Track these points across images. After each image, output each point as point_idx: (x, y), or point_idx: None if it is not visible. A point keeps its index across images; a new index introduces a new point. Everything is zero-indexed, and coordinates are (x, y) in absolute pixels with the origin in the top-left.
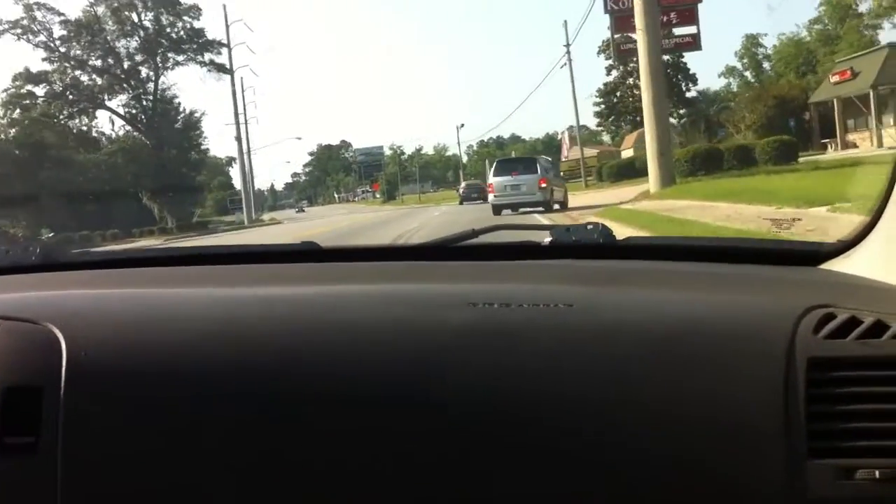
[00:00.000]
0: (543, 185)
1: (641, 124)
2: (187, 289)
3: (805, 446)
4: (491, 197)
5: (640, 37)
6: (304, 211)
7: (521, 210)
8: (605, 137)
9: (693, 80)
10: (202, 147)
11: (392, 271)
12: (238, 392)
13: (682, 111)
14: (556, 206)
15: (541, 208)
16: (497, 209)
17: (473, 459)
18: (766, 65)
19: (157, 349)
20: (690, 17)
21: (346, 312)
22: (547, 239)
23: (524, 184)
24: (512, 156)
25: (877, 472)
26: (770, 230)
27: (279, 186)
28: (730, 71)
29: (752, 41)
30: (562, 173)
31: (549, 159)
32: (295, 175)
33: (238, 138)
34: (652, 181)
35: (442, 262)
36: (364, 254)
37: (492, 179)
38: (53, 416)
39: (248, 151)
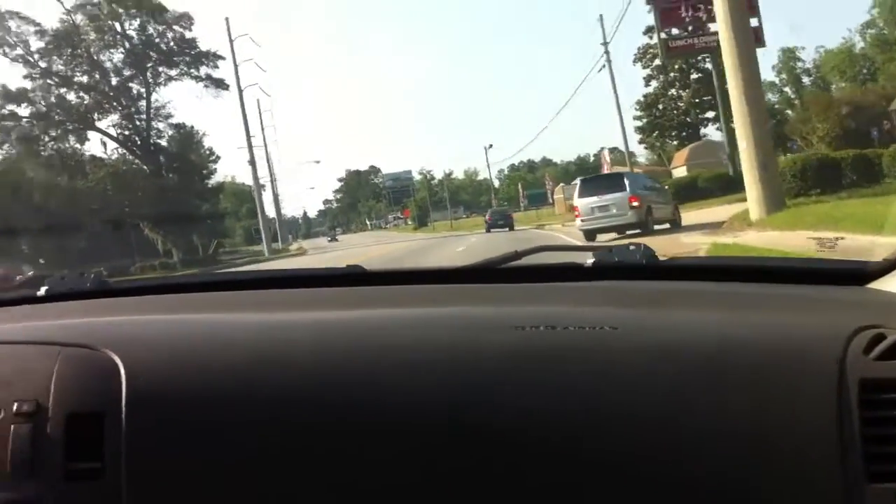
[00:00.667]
0: (635, 203)
1: (689, 139)
2: (237, 314)
3: (863, 470)
4: (578, 222)
5: (721, 21)
6: (336, 240)
7: (624, 233)
8: (642, 157)
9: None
10: (209, 170)
11: (436, 294)
12: (287, 416)
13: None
14: (666, 225)
15: (637, 230)
16: (589, 235)
17: (521, 481)
18: (805, 79)
19: (208, 373)
20: (752, 9)
21: (392, 336)
22: (590, 260)
23: (613, 204)
24: (592, 175)
25: None
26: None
27: (312, 213)
28: (769, 87)
29: (789, 55)
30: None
31: (642, 173)
32: (327, 202)
33: (252, 162)
34: (753, 204)
35: (486, 284)
36: (408, 277)
37: (577, 202)
38: (116, 441)
39: (259, 176)
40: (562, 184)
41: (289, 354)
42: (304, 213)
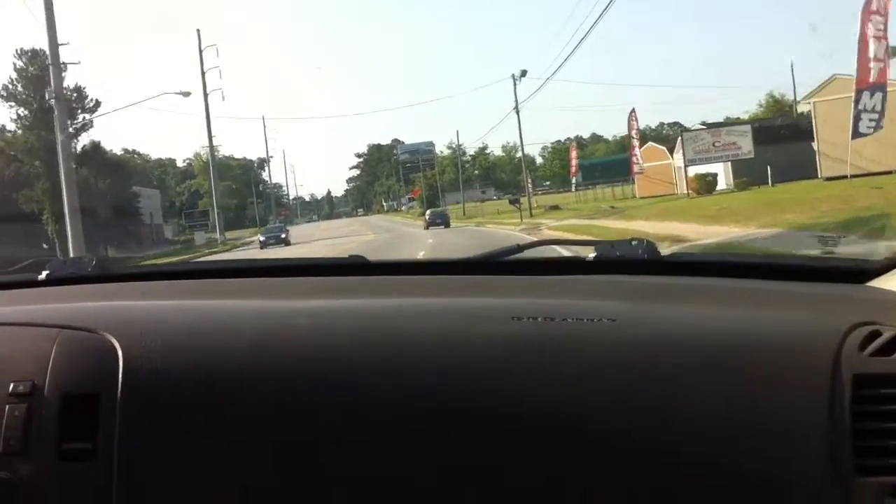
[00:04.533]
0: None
1: None
2: (237, 300)
3: (853, 463)
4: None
5: None
6: (282, 238)
7: None
8: None
9: None
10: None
11: (437, 285)
12: (286, 401)
13: None
14: None
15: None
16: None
17: (519, 469)
18: None
19: (208, 358)
20: None
21: (392, 325)
22: (592, 254)
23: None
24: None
25: None
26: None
27: (338, 192)
28: None
29: None
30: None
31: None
32: (350, 180)
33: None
34: None
35: (487, 276)
36: (410, 268)
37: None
38: (110, 423)
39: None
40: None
41: (288, 342)
42: (328, 193)
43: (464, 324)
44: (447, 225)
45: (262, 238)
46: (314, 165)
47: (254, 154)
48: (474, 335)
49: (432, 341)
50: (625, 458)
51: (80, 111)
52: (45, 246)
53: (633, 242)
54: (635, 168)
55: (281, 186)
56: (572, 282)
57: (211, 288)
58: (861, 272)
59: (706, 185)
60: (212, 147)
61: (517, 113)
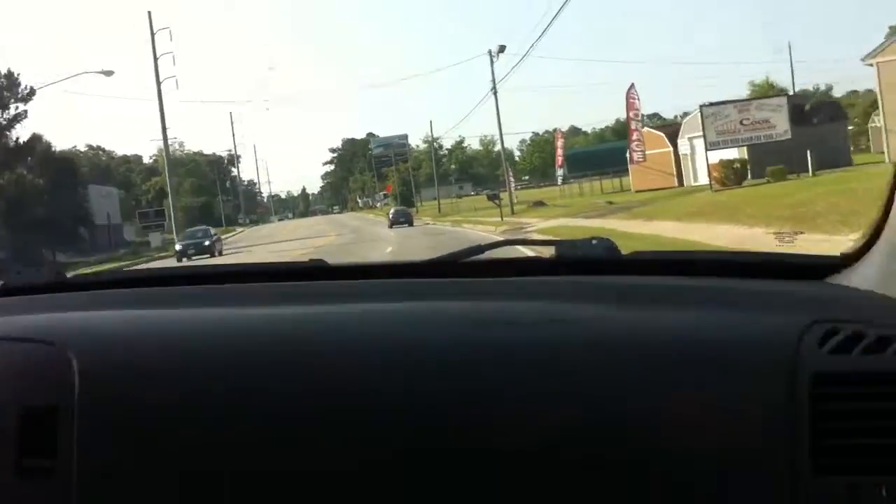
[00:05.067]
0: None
1: None
2: (196, 309)
3: (810, 463)
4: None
5: None
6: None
7: None
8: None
9: None
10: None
11: (398, 289)
12: (246, 412)
13: None
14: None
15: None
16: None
17: (470, 477)
18: None
19: (166, 369)
20: None
21: (353, 331)
22: (553, 254)
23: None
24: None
25: (883, 490)
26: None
27: (314, 189)
28: None
29: None
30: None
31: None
32: (325, 176)
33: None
34: None
35: (448, 279)
36: (371, 271)
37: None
38: (69, 437)
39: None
40: None
41: (248, 351)
42: (303, 190)
43: (425, 329)
44: (410, 223)
45: (178, 247)
46: (288, 161)
47: (225, 150)
48: (436, 341)
49: (394, 348)
50: (579, 455)
51: (12, 100)
52: None
53: (594, 241)
54: (636, 156)
55: (255, 183)
56: (534, 283)
57: (168, 296)
58: (819, 268)
59: (734, 174)
60: (166, 139)
61: (495, 95)
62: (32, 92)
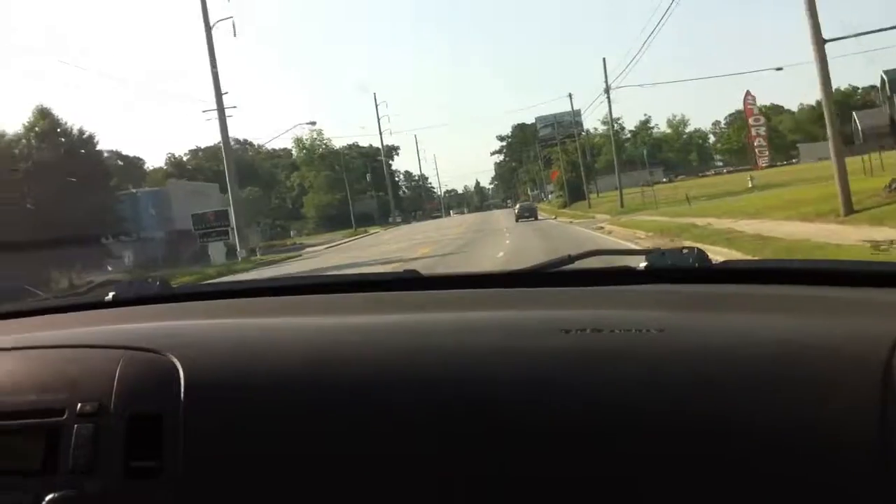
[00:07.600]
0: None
1: None
2: (295, 318)
3: None
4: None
5: None
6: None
7: None
8: None
9: None
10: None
11: (488, 298)
12: (341, 419)
13: None
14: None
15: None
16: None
17: (570, 484)
18: None
19: (266, 377)
20: None
21: (444, 339)
22: (642, 264)
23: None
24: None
25: None
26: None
27: (486, 182)
28: None
29: None
30: None
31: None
32: (497, 167)
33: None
34: None
35: (537, 288)
36: (462, 281)
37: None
38: (174, 441)
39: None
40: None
41: (342, 359)
42: (477, 184)
43: (514, 338)
44: (535, 217)
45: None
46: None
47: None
48: (524, 349)
49: (483, 356)
50: (671, 469)
51: None
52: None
53: (685, 251)
54: (761, 161)
55: (427, 178)
56: (622, 292)
57: (267, 306)
58: None
59: None
60: (224, 128)
61: None
62: None
